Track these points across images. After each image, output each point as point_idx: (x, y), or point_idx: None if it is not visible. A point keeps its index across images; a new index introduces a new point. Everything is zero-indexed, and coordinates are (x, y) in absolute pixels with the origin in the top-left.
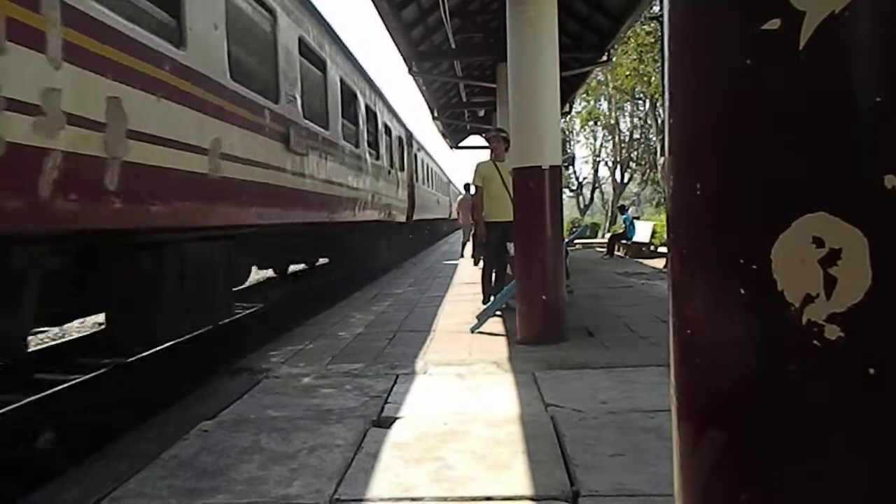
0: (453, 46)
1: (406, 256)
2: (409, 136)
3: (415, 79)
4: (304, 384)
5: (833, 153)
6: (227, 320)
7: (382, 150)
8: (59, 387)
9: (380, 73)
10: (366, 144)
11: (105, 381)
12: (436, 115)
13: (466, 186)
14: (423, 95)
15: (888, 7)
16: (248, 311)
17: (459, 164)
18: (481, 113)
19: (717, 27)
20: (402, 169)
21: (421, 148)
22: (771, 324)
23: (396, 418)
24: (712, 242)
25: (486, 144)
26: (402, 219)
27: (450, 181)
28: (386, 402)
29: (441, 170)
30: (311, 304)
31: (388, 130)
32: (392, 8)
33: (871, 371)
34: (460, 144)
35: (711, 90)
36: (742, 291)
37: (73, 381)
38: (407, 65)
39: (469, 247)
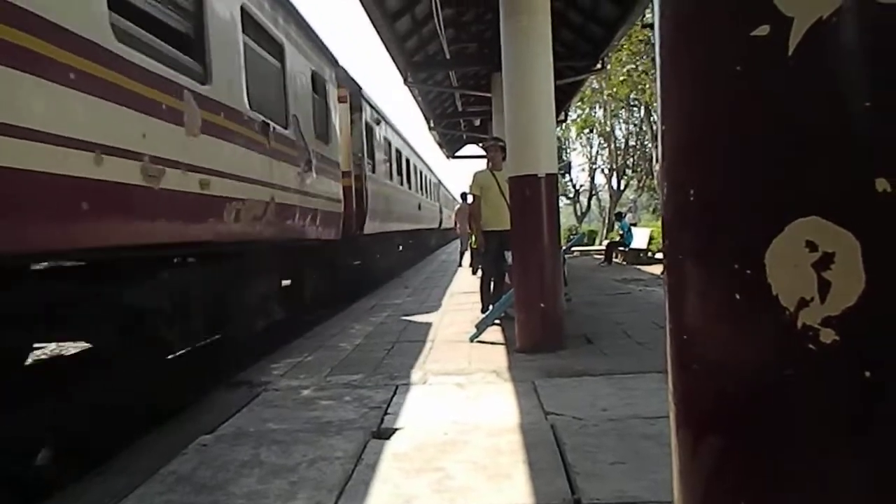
0: (448, 57)
1: (343, 303)
2: (355, 91)
3: (410, 89)
4: (303, 396)
5: (824, 157)
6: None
7: (252, 85)
8: (57, 402)
9: (376, 86)
10: (155, 41)
11: (102, 396)
12: (432, 125)
13: (464, 196)
14: (419, 106)
15: (874, 13)
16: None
17: (457, 174)
18: (477, 122)
19: (708, 33)
20: (325, 140)
21: (383, 120)
22: (766, 328)
23: (396, 429)
24: (706, 247)
25: (483, 154)
26: (332, 234)
27: (440, 183)
28: (385, 413)
29: (427, 167)
30: (309, 315)
31: (271, 46)
32: (386, 19)
33: (867, 374)
34: (457, 154)
35: (703, 96)
36: (737, 296)
37: (71, 396)
38: (402, 76)
39: (467, 256)
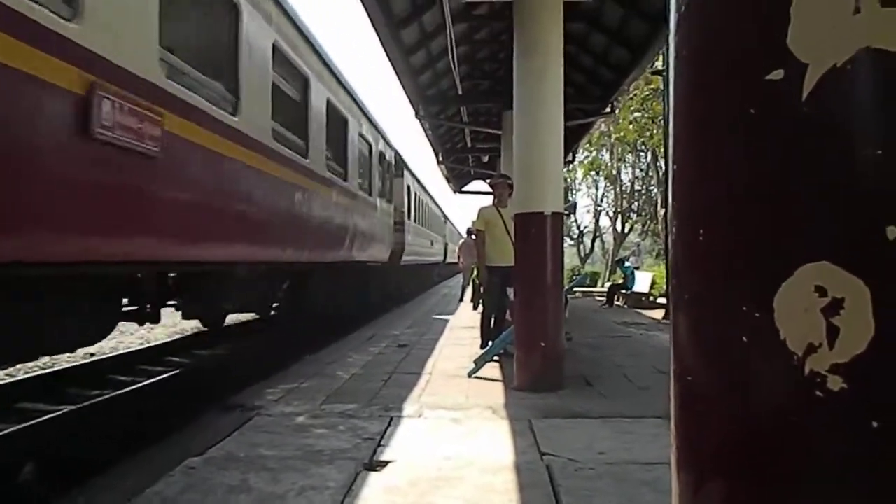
0: (460, 92)
1: None
2: None
3: (421, 123)
4: (296, 423)
5: (835, 203)
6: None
7: None
8: (45, 417)
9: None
10: None
11: (93, 413)
12: (441, 158)
13: (468, 231)
14: (429, 139)
15: (888, 62)
16: (242, 347)
17: (462, 209)
18: (485, 158)
19: (722, 75)
20: None
21: None
22: (773, 373)
23: (389, 462)
24: (714, 289)
25: (489, 190)
26: None
27: (403, 164)
28: (379, 445)
29: (376, 128)
30: (307, 341)
31: None
32: (402, 53)
33: (875, 424)
34: (464, 189)
35: (715, 137)
36: (744, 339)
37: (60, 412)
38: (414, 109)
39: (469, 291)
